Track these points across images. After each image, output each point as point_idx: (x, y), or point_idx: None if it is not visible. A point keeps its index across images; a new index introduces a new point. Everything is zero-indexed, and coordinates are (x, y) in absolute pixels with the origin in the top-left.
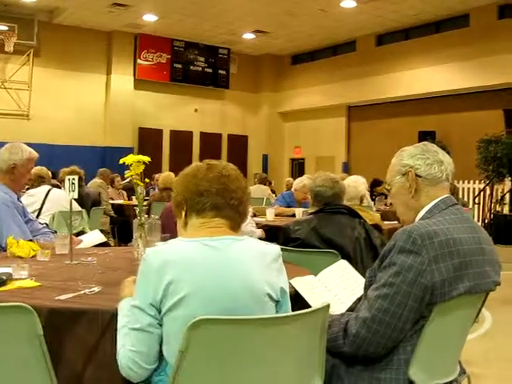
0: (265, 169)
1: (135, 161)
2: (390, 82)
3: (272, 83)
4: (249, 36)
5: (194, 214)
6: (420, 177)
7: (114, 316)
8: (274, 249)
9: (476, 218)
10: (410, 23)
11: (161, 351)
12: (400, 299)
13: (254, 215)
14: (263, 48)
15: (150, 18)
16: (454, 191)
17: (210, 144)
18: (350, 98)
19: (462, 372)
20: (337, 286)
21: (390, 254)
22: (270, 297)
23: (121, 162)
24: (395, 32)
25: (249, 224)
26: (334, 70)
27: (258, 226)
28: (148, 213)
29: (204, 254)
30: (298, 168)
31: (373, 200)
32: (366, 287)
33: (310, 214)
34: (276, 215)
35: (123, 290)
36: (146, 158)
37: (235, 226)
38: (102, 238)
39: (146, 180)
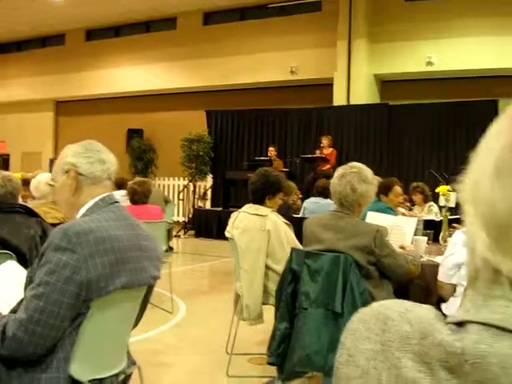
0: None
1: None
2: (98, 79)
3: None
4: None
5: None
6: (82, 175)
7: None
8: None
9: (181, 213)
10: (120, 21)
11: None
12: (56, 297)
13: None
14: None
15: None
16: (136, 190)
17: None
18: (58, 92)
19: (132, 363)
20: (3, 288)
21: (46, 252)
22: None
23: None
24: (106, 29)
25: None
26: (42, 62)
27: None
28: None
29: None
30: (2, 164)
31: None
32: (26, 287)
33: None
34: None
35: None
36: None
37: None
38: None
39: None
